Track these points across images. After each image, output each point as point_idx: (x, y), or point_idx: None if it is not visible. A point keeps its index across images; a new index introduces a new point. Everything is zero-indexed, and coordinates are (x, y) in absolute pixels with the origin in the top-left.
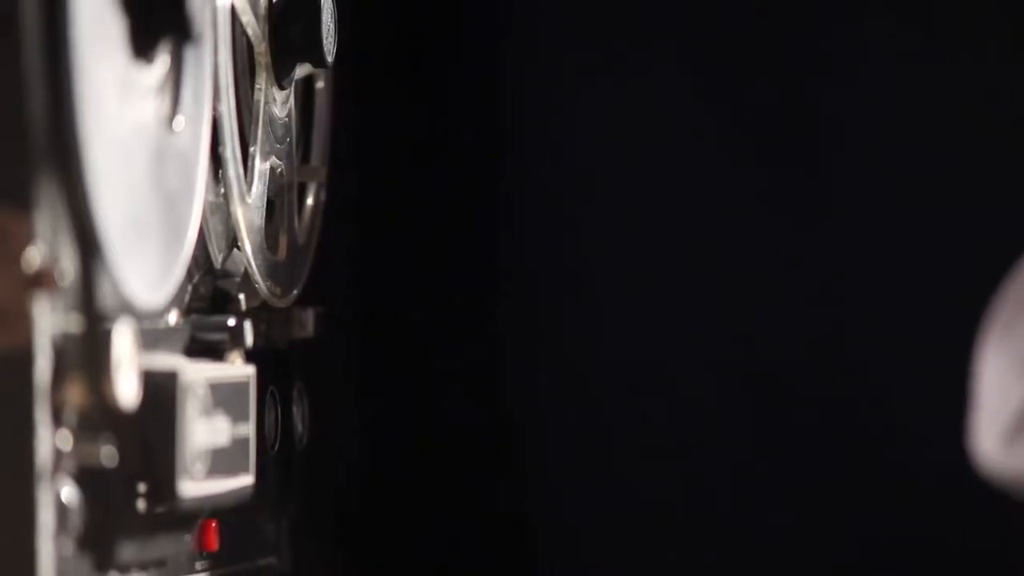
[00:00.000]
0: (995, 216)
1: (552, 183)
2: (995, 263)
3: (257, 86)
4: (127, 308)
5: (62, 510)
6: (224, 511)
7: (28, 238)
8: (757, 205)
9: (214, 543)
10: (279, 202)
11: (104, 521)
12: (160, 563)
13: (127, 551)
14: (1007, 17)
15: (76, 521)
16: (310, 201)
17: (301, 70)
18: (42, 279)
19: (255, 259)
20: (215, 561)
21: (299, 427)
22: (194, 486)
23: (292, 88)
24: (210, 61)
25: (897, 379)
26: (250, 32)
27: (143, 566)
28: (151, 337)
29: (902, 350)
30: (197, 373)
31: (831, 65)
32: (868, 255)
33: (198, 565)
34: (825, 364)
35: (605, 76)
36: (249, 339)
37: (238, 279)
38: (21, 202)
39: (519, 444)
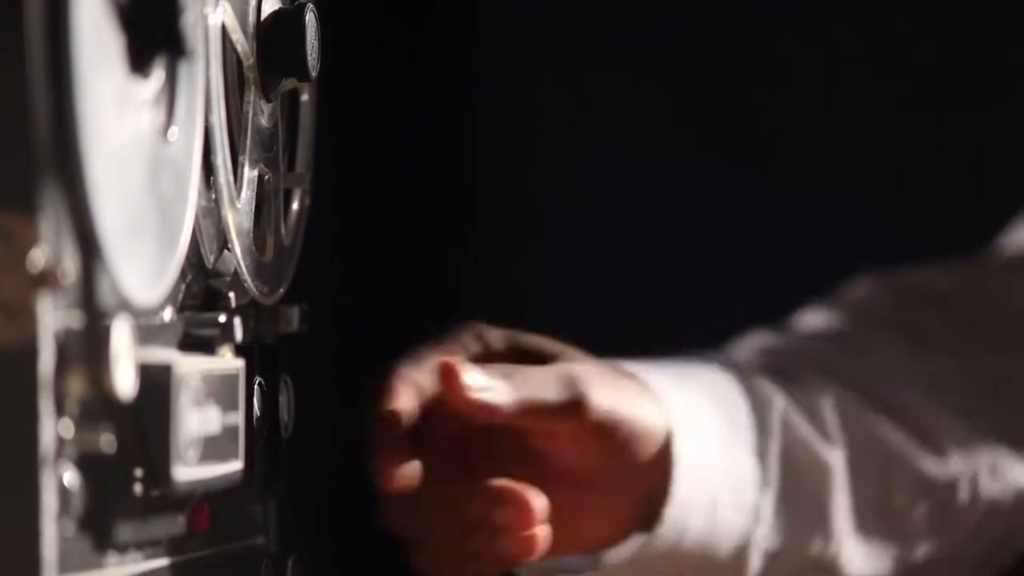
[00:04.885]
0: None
1: (527, 183)
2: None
3: (246, 99)
4: (125, 305)
5: (64, 494)
6: (215, 494)
7: (33, 240)
8: (731, 203)
9: (206, 524)
10: (266, 207)
11: (103, 504)
12: (155, 543)
13: (125, 532)
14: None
15: (77, 504)
16: (295, 206)
17: (287, 84)
18: (46, 278)
19: (244, 260)
20: (207, 541)
21: (285, 416)
22: (187, 471)
23: (278, 101)
24: (202, 76)
25: None
26: (239, 49)
27: (139, 545)
28: (147, 332)
29: None
30: (190, 366)
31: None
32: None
33: (191, 545)
34: None
35: (578, 83)
36: (239, 334)
37: (228, 278)
38: (26, 206)
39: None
